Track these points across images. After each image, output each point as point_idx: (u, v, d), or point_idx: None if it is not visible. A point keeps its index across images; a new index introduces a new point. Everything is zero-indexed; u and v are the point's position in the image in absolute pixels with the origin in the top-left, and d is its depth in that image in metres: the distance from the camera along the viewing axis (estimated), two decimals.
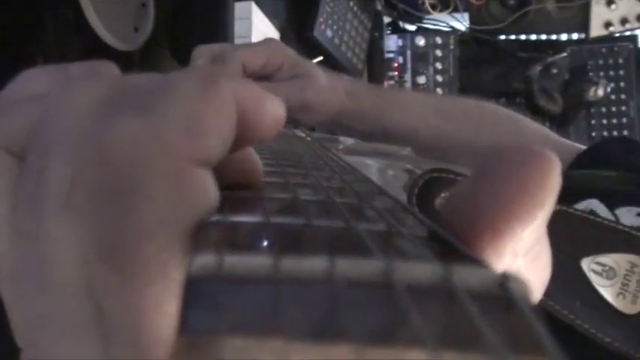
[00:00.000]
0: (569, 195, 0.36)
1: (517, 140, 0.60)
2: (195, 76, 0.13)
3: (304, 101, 0.53)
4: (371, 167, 0.56)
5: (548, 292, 0.32)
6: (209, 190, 0.13)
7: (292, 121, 0.54)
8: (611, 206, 0.37)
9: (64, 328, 0.12)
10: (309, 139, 0.40)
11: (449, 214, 0.14)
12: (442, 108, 0.62)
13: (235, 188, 0.16)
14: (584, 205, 0.37)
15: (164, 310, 0.11)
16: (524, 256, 0.13)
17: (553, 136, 0.63)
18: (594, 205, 0.37)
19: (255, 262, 0.11)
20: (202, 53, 0.50)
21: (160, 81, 0.14)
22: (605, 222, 0.35)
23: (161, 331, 0.11)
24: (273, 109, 0.14)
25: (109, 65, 0.16)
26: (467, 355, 0.09)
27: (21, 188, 0.13)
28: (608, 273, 0.33)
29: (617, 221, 0.36)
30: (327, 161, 0.26)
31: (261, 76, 0.52)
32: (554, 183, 0.12)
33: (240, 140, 0.14)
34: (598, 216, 0.36)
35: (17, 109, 0.14)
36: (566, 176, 0.46)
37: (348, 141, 0.54)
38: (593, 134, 1.26)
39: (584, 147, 0.60)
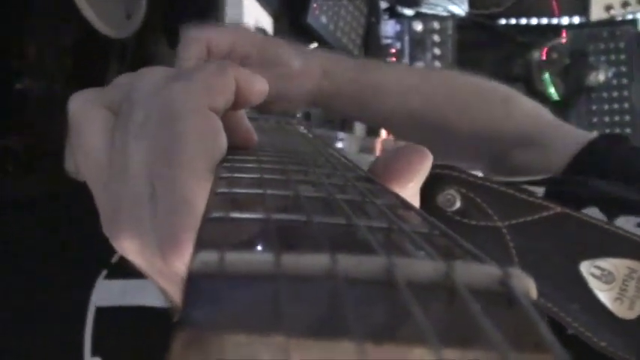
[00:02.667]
0: (568, 202, 0.36)
1: (504, 125, 0.58)
2: (213, 64, 0.24)
3: (274, 93, 0.51)
4: None
5: (547, 294, 0.32)
6: (218, 126, 0.22)
7: (266, 110, 0.52)
8: (611, 215, 0.37)
9: (134, 200, 0.21)
10: (310, 135, 0.40)
11: (376, 169, 0.23)
12: (425, 89, 0.59)
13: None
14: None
15: (193, 185, 0.20)
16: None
17: (545, 119, 0.60)
18: (594, 213, 0.37)
19: (256, 259, 0.11)
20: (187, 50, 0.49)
21: (194, 67, 0.25)
22: (606, 226, 0.35)
23: (191, 195, 0.20)
24: (258, 85, 0.25)
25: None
26: (469, 352, 0.09)
27: (117, 125, 0.23)
28: (607, 277, 0.33)
29: (618, 226, 0.35)
30: (329, 158, 0.26)
31: None
32: (423, 165, 0.23)
33: (238, 101, 0.24)
34: (599, 220, 0.35)
35: (115, 87, 0.25)
36: (564, 182, 0.46)
37: (348, 137, 0.53)
38: (594, 120, 1.24)
39: (574, 128, 0.58)
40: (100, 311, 0.42)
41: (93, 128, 0.24)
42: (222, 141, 0.23)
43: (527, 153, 0.55)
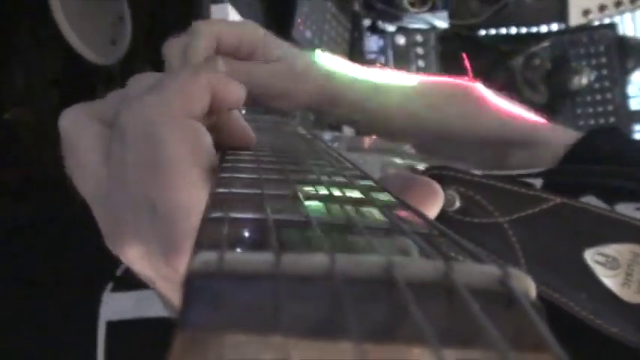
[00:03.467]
0: (566, 192, 0.36)
1: (501, 130, 0.59)
2: (185, 70, 0.24)
3: (277, 89, 0.51)
4: (372, 164, 0.55)
5: (553, 284, 0.33)
6: (198, 130, 0.23)
7: (266, 108, 0.52)
8: (610, 203, 0.37)
9: (134, 209, 0.22)
10: (308, 136, 0.40)
11: (392, 187, 0.23)
12: (424, 93, 0.60)
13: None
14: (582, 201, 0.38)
15: (183, 190, 0.20)
16: None
17: (540, 125, 0.61)
18: (592, 201, 0.37)
19: (255, 259, 0.11)
20: (173, 47, 0.48)
21: (171, 74, 0.24)
22: (606, 213, 0.35)
23: (184, 199, 0.20)
24: (234, 89, 0.25)
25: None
26: (468, 352, 0.09)
27: (113, 137, 0.23)
28: (612, 263, 0.33)
29: (618, 212, 0.36)
30: (327, 158, 0.26)
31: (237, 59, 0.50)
32: (436, 206, 0.23)
33: (216, 106, 0.24)
34: (599, 207, 0.36)
35: (108, 99, 0.25)
36: (562, 172, 0.46)
37: (347, 137, 0.53)
38: (580, 123, 1.25)
39: (564, 127, 0.59)
40: (111, 326, 0.41)
41: (87, 143, 0.24)
42: (206, 143, 0.23)
43: (523, 152, 0.56)
